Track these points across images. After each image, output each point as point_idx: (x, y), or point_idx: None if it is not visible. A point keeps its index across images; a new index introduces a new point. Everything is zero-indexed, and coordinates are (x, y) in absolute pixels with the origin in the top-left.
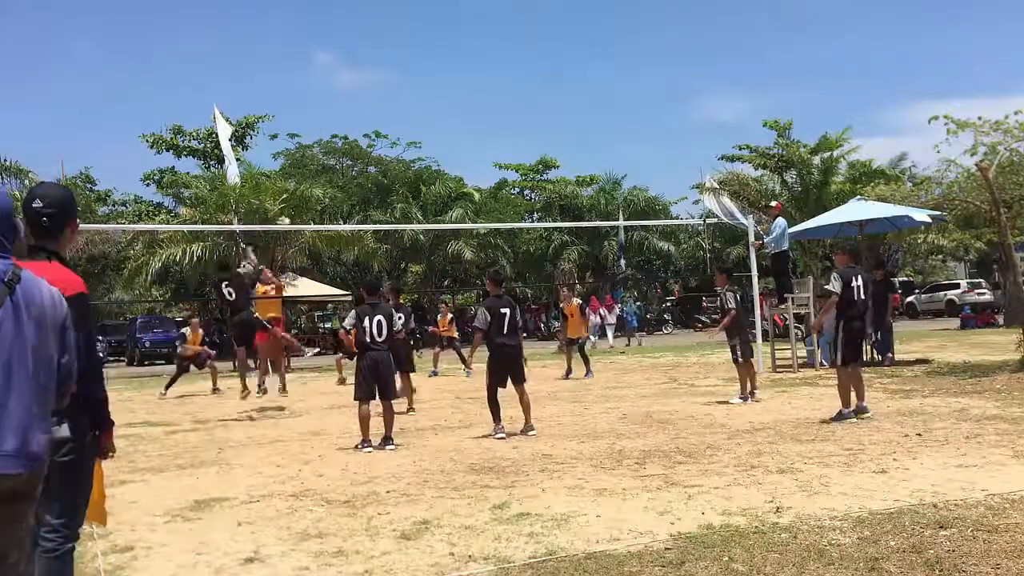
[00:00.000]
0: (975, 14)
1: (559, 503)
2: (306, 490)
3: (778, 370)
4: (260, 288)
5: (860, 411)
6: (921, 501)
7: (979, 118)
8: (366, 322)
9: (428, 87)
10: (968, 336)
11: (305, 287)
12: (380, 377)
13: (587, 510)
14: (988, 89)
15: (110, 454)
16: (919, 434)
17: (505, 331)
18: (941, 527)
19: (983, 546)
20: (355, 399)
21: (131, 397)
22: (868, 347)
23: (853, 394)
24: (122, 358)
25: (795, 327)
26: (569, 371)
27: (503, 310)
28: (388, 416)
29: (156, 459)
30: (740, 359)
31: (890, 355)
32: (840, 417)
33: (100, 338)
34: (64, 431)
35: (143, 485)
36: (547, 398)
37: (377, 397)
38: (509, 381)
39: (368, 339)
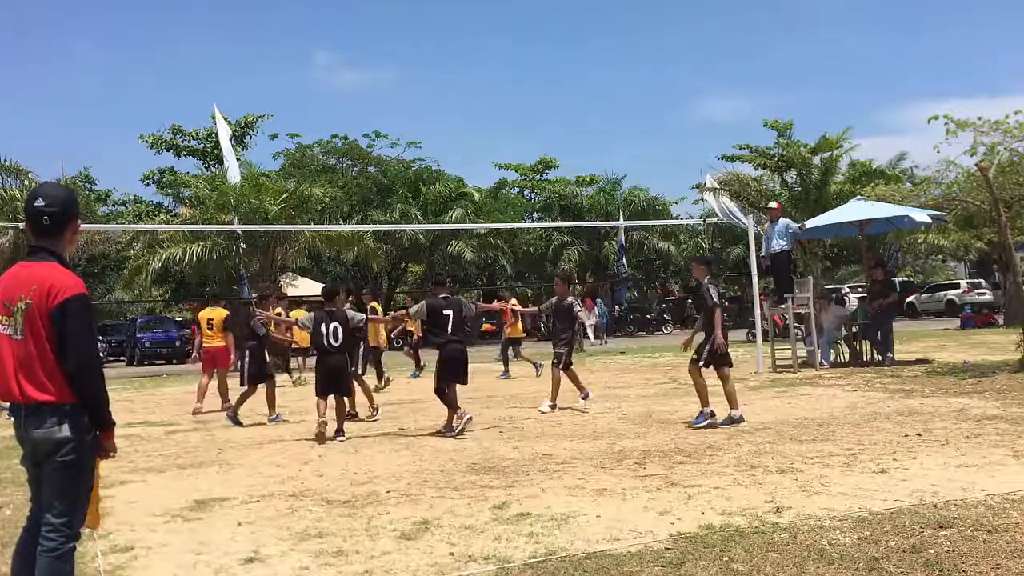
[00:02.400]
0: (974, 14)
1: (559, 503)
2: (306, 490)
3: (778, 370)
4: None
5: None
6: (921, 501)
7: (979, 118)
8: (322, 327)
9: (428, 87)
10: (968, 336)
11: (305, 287)
12: (335, 378)
13: (587, 510)
14: (988, 89)
15: (111, 454)
16: (919, 434)
17: (450, 331)
18: (941, 527)
19: (983, 546)
20: (316, 395)
21: (131, 397)
22: (868, 347)
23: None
24: (122, 358)
25: (795, 327)
26: (506, 372)
27: (446, 311)
28: (340, 409)
29: (156, 459)
30: (560, 364)
31: (890, 355)
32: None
33: (100, 338)
34: (64, 431)
35: (143, 485)
36: (547, 398)
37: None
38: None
39: (325, 343)
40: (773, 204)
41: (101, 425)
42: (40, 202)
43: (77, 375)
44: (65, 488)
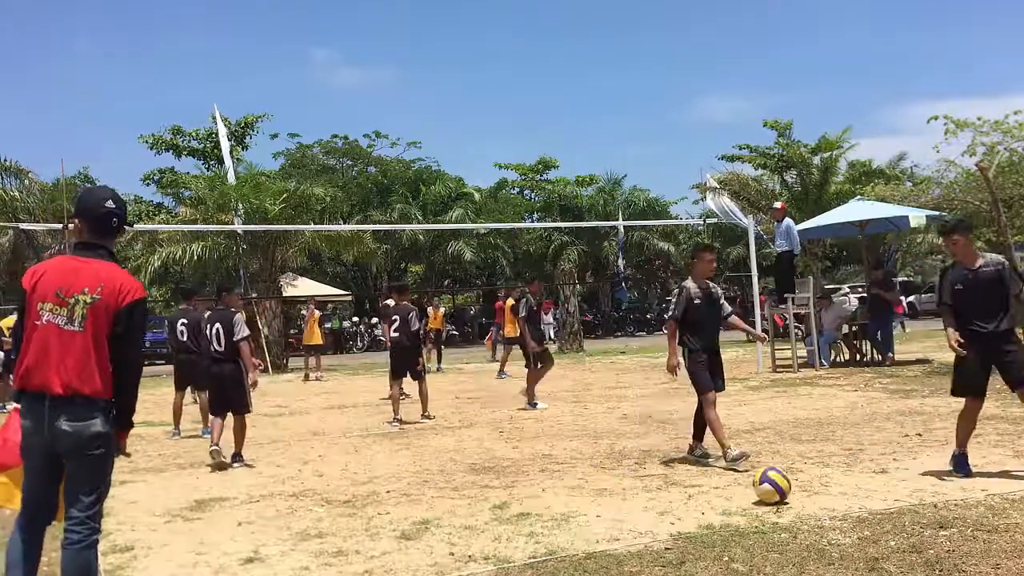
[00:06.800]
0: (974, 14)
1: (559, 503)
2: (306, 490)
3: (778, 370)
4: None
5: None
6: (921, 501)
7: (979, 118)
8: (378, 321)
9: (428, 87)
10: None
11: (305, 287)
12: (407, 361)
13: (587, 510)
14: (988, 89)
15: (122, 454)
16: (919, 434)
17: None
18: (941, 527)
19: (983, 546)
20: (391, 379)
21: None
22: (868, 347)
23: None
24: None
25: (795, 327)
26: (502, 371)
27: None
28: (423, 393)
29: (156, 459)
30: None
31: (890, 355)
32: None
33: None
34: (98, 426)
35: (143, 485)
36: (548, 398)
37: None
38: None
39: (396, 335)
40: (777, 204)
41: (124, 425)
42: (111, 204)
43: (127, 373)
44: (93, 480)
